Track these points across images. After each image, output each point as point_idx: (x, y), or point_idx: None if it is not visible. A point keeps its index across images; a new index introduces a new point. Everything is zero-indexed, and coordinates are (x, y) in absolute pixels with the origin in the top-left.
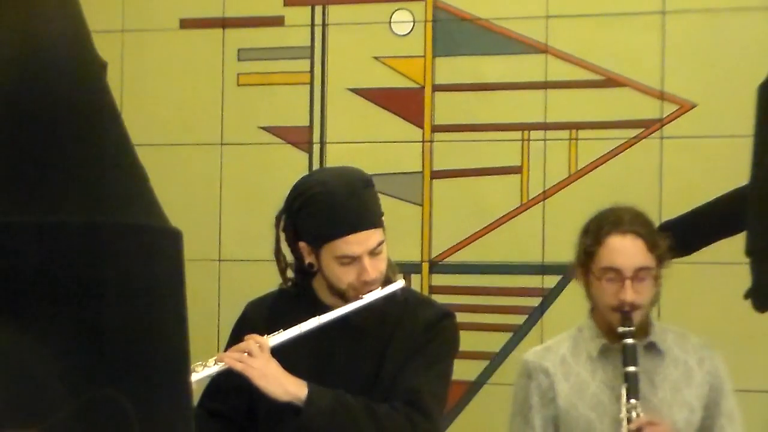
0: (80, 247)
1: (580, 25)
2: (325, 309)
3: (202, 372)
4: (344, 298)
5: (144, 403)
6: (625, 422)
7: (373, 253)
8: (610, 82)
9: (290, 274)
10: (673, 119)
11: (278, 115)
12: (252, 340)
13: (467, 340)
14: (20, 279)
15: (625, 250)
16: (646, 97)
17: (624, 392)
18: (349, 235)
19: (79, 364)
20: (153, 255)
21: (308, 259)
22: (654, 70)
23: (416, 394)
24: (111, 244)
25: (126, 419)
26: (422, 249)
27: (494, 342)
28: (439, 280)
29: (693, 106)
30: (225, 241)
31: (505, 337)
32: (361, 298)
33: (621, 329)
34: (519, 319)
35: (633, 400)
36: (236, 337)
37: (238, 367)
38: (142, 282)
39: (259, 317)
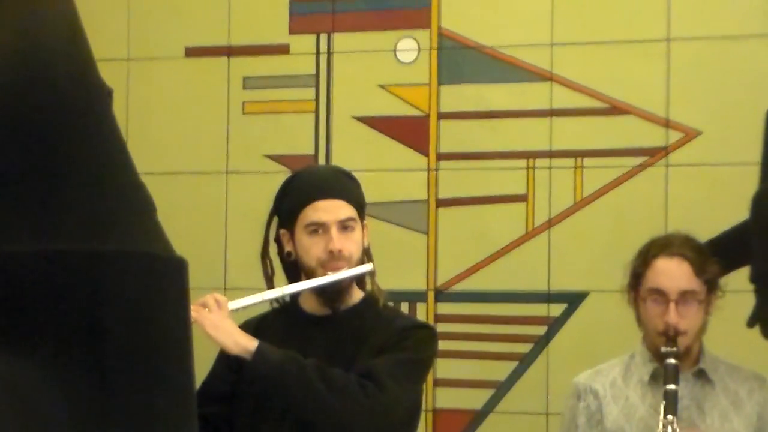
0: (83, 277)
1: (585, 53)
2: (304, 316)
3: None
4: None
5: None
6: None
7: (343, 226)
8: (615, 109)
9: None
10: (679, 147)
11: (283, 143)
12: (211, 296)
13: (473, 369)
14: (22, 310)
15: (671, 273)
16: (652, 125)
17: (662, 409)
18: (318, 201)
19: (84, 403)
20: (158, 284)
21: (287, 247)
22: (659, 98)
23: (370, 369)
24: (115, 273)
25: None
26: (428, 277)
27: (500, 370)
28: (445, 308)
29: (698, 134)
30: (230, 270)
31: (511, 365)
32: (328, 275)
33: (664, 349)
34: (525, 348)
35: (670, 417)
36: (222, 356)
37: (193, 315)
38: (147, 313)
39: (247, 331)
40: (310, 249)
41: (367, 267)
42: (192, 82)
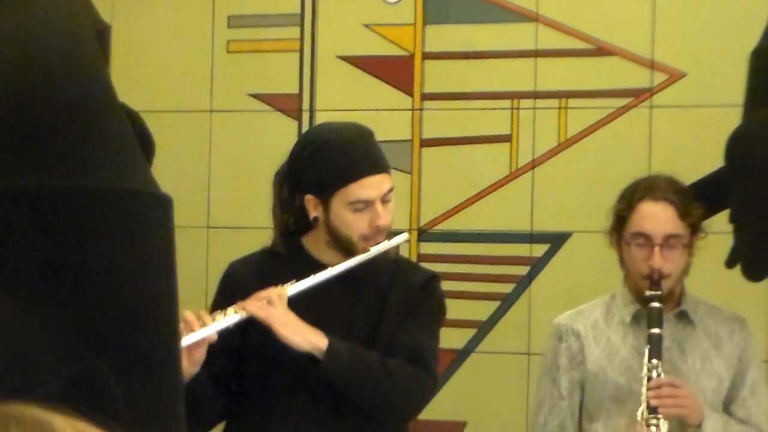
0: (65, 213)
1: None
2: (320, 266)
3: (222, 321)
4: (350, 250)
5: (131, 372)
6: (645, 381)
7: (385, 199)
8: (600, 51)
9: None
10: (663, 88)
11: (268, 82)
12: (273, 291)
13: (455, 308)
14: (3, 246)
15: (656, 217)
16: (636, 66)
17: (646, 353)
18: (364, 178)
19: (67, 335)
20: (142, 221)
21: (314, 212)
22: (644, 39)
23: (419, 351)
24: (97, 209)
25: (109, 391)
26: (411, 217)
27: (482, 310)
28: (428, 248)
29: (683, 75)
30: (213, 208)
31: (493, 305)
32: (369, 250)
33: (648, 293)
34: (507, 288)
35: (654, 360)
36: (225, 296)
37: (262, 315)
38: (131, 249)
39: (248, 275)
40: (354, 224)
41: (404, 237)
42: (176, 21)
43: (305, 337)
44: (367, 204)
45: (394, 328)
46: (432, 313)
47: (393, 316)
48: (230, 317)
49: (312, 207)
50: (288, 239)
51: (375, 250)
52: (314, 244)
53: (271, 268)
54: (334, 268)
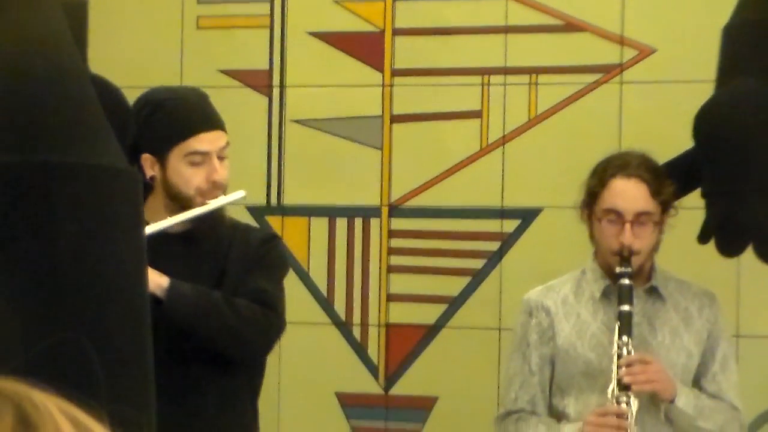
0: (36, 188)
1: None
2: (160, 233)
3: None
4: (188, 208)
5: (102, 345)
6: (615, 358)
7: (221, 155)
8: (570, 26)
9: None
10: (633, 64)
11: (238, 58)
12: None
13: (426, 284)
14: None
15: (628, 194)
16: (606, 42)
17: (616, 330)
18: (201, 133)
19: (36, 308)
20: (111, 195)
21: (150, 172)
22: (614, 15)
23: (264, 293)
24: (67, 184)
25: (88, 361)
26: (382, 193)
27: (453, 286)
28: (399, 224)
29: (653, 51)
30: None
31: (464, 281)
32: (207, 203)
33: (618, 270)
34: (478, 263)
35: (625, 337)
36: None
37: None
38: (99, 223)
39: None
40: (191, 178)
41: (240, 194)
42: None
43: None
44: (204, 158)
45: (238, 281)
46: (273, 265)
47: (234, 271)
48: None
49: (149, 166)
50: None
51: (213, 204)
52: (152, 211)
53: None
54: (171, 219)
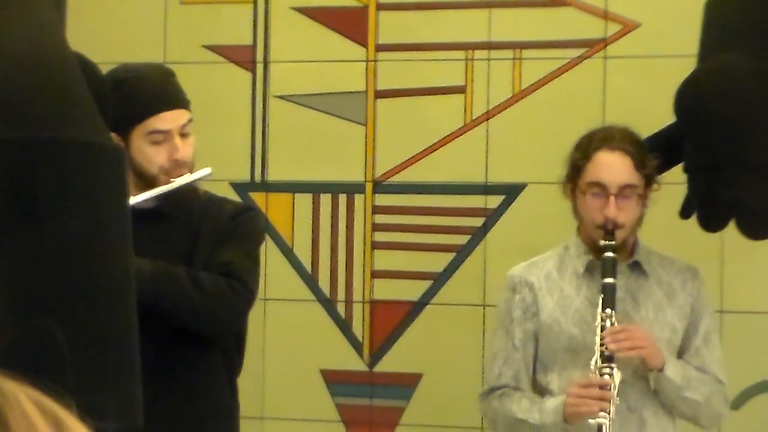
0: (19, 164)
1: None
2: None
3: None
4: (154, 185)
5: (88, 325)
6: (599, 330)
7: (183, 133)
8: (554, 1)
9: None
10: (617, 39)
11: (222, 33)
12: None
13: (410, 260)
14: None
15: (612, 166)
16: (590, 17)
17: (600, 302)
18: (162, 112)
19: (22, 287)
20: (95, 172)
21: None
22: None
23: (230, 265)
24: (51, 161)
25: (57, 349)
26: (366, 169)
27: (437, 262)
28: (383, 200)
29: (637, 26)
30: None
31: (449, 257)
32: (172, 181)
33: (602, 242)
34: (462, 239)
35: (608, 310)
36: None
37: None
38: (85, 200)
39: None
40: (154, 157)
41: (206, 171)
42: None
43: None
44: (165, 136)
45: (208, 255)
46: (244, 237)
47: (205, 245)
48: None
49: None
50: None
51: (178, 181)
52: None
53: None
54: (134, 198)
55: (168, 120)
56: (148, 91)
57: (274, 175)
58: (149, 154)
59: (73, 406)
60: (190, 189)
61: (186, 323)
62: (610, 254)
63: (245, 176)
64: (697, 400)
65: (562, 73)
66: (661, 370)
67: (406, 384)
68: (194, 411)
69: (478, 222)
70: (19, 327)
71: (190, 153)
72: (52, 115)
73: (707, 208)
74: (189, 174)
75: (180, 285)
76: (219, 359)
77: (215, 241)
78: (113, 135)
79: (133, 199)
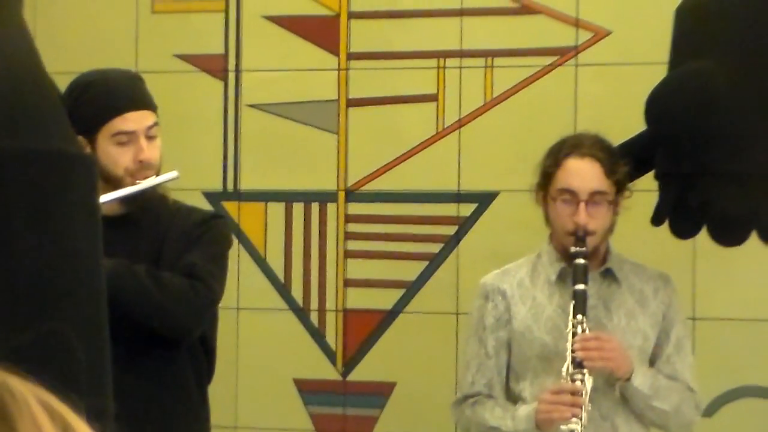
0: None
1: None
2: None
3: None
4: (120, 188)
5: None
6: (570, 336)
7: (149, 135)
8: (525, 9)
9: None
10: (588, 46)
11: (193, 42)
12: None
13: (383, 269)
14: None
15: (582, 173)
16: (562, 25)
17: (571, 309)
18: (127, 113)
19: None
20: (66, 181)
21: None
22: None
23: (193, 267)
24: (21, 170)
25: (72, 351)
26: (338, 178)
27: (410, 270)
28: (355, 208)
29: (608, 33)
30: None
31: (421, 265)
32: (138, 183)
33: (573, 249)
34: (435, 248)
35: (579, 316)
36: None
37: None
38: (55, 210)
39: None
40: (119, 158)
41: (173, 174)
42: None
43: None
44: (131, 137)
45: (174, 259)
46: (212, 240)
47: (172, 249)
48: None
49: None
50: None
51: (144, 184)
52: None
53: None
54: (101, 197)
55: (133, 121)
56: (112, 93)
57: (246, 184)
58: (114, 156)
59: (83, 410)
60: (158, 197)
61: (144, 319)
62: (581, 261)
63: (217, 185)
64: (666, 410)
65: (534, 81)
66: (628, 379)
67: (379, 393)
68: (162, 418)
69: (450, 230)
70: (34, 330)
71: (157, 156)
72: (18, 123)
73: (679, 215)
74: (155, 177)
75: (139, 281)
76: (188, 366)
77: (181, 246)
78: (80, 138)
79: (102, 198)
